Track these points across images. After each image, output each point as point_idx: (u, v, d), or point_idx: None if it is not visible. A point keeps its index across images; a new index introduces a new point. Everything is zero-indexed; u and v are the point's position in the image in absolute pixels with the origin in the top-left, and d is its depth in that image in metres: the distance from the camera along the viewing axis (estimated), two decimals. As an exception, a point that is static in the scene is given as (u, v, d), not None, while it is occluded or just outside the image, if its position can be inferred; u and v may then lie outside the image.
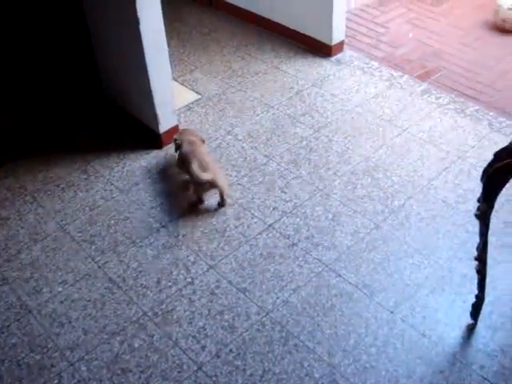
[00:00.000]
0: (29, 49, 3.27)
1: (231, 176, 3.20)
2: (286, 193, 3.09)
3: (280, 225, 2.92)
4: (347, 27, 4.22)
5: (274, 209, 3.00)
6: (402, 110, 3.61)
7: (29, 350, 2.46)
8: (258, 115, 3.62)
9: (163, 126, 3.33)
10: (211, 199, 3.06)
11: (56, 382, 2.34)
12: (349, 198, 3.04)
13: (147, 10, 2.95)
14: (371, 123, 3.51)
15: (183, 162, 3.06)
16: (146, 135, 3.43)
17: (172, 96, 3.31)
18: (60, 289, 2.70)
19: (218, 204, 3.04)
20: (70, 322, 2.56)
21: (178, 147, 3.13)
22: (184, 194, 3.13)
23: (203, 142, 3.20)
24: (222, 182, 2.97)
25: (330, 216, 2.95)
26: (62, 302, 2.64)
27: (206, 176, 2.91)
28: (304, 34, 4.18)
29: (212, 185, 2.94)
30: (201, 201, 3.04)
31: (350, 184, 3.12)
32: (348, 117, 3.57)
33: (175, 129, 3.37)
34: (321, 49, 4.12)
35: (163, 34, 3.10)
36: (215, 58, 4.17)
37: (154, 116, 3.27)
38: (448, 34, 4.46)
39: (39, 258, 2.84)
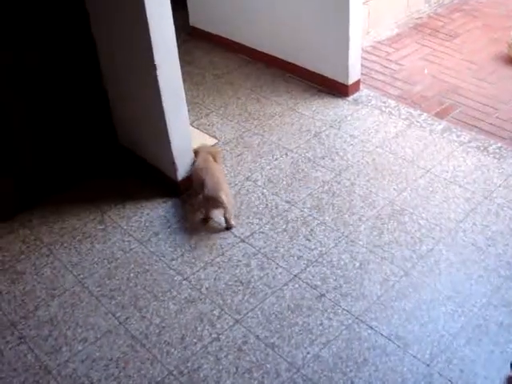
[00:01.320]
0: (43, 98, 3.21)
1: (253, 224, 3.12)
2: (310, 240, 2.99)
3: (306, 274, 2.82)
4: (361, 65, 4.17)
5: (298, 258, 2.91)
6: (424, 149, 3.54)
7: (50, 415, 2.36)
8: (276, 159, 3.55)
9: (181, 174, 3.27)
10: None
11: None
12: (375, 244, 2.95)
13: (164, 55, 2.91)
14: (393, 164, 3.44)
15: (196, 177, 3.15)
16: (163, 183, 3.36)
17: (190, 143, 3.24)
18: (80, 347, 2.60)
19: (226, 227, 3.10)
20: (92, 383, 2.45)
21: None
22: (206, 243, 3.04)
23: (216, 154, 3.28)
24: (230, 203, 3.05)
25: (357, 264, 2.86)
26: (82, 362, 2.54)
27: (218, 193, 2.99)
28: (319, 74, 4.12)
29: (221, 204, 3.00)
30: (207, 218, 3.12)
31: (376, 229, 3.03)
32: (369, 158, 3.50)
33: (193, 176, 3.29)
34: (337, 89, 4.06)
35: (180, 79, 3.05)
36: (230, 101, 4.11)
37: (172, 164, 3.20)
38: (463, 68, 4.41)
39: (57, 315, 2.75)
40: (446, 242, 2.94)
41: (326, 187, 3.31)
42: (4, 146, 3.14)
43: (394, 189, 3.27)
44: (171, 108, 3.04)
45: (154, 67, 2.89)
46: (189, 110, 3.91)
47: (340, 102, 4.02)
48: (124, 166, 3.57)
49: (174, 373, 2.46)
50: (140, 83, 3.10)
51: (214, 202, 2.99)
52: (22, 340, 2.64)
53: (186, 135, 3.21)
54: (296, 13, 4.05)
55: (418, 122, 3.79)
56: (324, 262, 2.88)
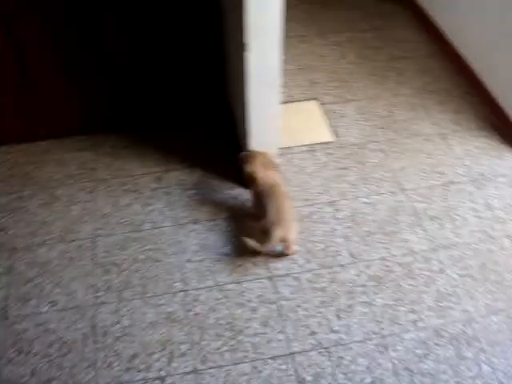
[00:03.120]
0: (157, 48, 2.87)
1: (294, 262, 2.57)
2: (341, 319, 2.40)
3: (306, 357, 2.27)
4: None
5: (310, 333, 2.35)
6: None
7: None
8: (378, 194, 2.87)
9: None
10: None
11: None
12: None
13: (258, 37, 2.33)
14: None
15: (258, 202, 2.59)
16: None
17: (277, 136, 2.73)
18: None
19: (282, 252, 2.58)
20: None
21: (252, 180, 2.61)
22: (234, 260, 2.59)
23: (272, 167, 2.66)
24: (293, 236, 2.51)
25: None
26: None
27: (278, 231, 2.44)
28: (502, 107, 3.23)
29: (282, 239, 2.48)
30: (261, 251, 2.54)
31: None
32: (485, 259, 2.64)
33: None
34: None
35: (278, 69, 2.47)
36: (382, 96, 3.40)
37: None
38: None
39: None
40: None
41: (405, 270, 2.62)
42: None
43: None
44: (256, 99, 2.52)
45: (243, 46, 2.35)
46: (334, 88, 3.36)
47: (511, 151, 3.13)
48: (220, 126, 3.14)
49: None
50: (236, 54, 2.59)
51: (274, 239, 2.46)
52: None
53: (272, 131, 2.67)
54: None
55: None
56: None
